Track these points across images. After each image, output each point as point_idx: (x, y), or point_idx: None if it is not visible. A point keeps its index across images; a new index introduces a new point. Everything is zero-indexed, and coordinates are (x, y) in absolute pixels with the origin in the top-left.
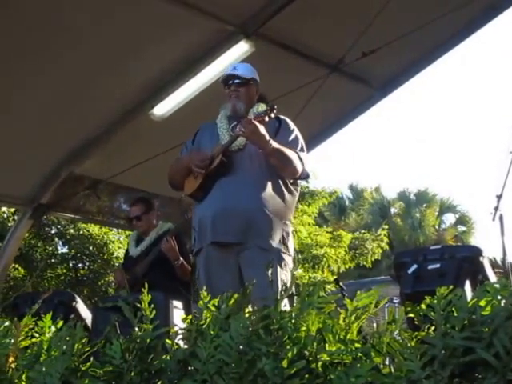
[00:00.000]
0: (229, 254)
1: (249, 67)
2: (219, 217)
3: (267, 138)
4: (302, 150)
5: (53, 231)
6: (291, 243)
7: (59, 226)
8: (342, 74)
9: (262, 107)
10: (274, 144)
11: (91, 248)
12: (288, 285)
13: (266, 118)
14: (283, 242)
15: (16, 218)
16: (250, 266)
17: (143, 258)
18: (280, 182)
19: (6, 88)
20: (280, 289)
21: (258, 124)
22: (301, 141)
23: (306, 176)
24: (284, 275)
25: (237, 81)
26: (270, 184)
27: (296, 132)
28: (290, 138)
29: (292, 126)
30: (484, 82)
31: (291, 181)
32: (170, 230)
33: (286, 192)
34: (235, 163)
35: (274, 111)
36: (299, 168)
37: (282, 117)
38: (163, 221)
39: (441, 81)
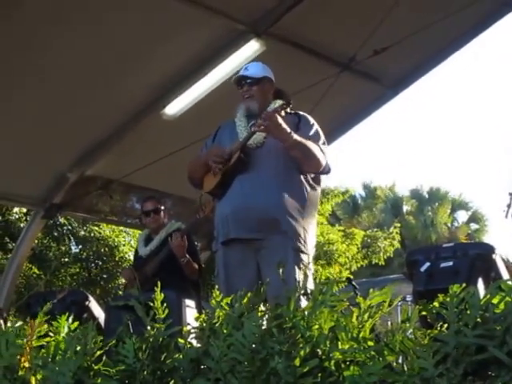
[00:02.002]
0: (248, 253)
1: (260, 66)
2: (238, 214)
3: (288, 130)
4: (323, 144)
5: (63, 232)
6: (311, 241)
7: (70, 228)
8: (354, 73)
9: (278, 103)
10: (296, 136)
11: (102, 250)
12: (304, 283)
13: (283, 113)
14: (303, 239)
15: (28, 218)
16: (267, 264)
17: (153, 258)
18: (301, 178)
19: (19, 89)
20: (296, 287)
21: (278, 116)
22: (322, 136)
23: (328, 170)
24: (302, 274)
25: (248, 81)
26: (290, 180)
27: (316, 126)
28: (311, 133)
29: (312, 120)
30: (497, 79)
31: (312, 176)
32: (180, 228)
33: (307, 188)
34: (254, 160)
35: (290, 106)
36: (322, 161)
37: (301, 113)
38: (174, 220)
39: (454, 77)
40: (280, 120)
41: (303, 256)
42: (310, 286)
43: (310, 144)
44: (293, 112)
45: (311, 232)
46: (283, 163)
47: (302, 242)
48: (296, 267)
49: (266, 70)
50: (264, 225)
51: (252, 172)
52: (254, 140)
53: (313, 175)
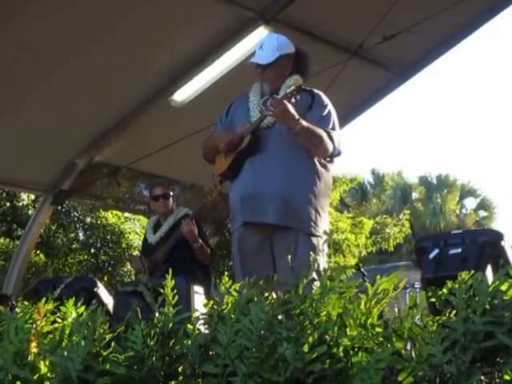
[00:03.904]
0: (262, 238)
1: (274, 45)
2: (249, 197)
3: (296, 117)
4: (333, 127)
5: (70, 220)
6: (324, 224)
7: (77, 214)
8: (362, 59)
9: (295, 81)
10: (304, 123)
11: (109, 237)
12: (318, 268)
13: (293, 100)
14: (315, 222)
15: (36, 205)
16: (279, 250)
17: (162, 244)
18: (313, 160)
19: (28, 75)
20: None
21: (287, 103)
22: (333, 117)
23: (337, 154)
24: (313, 259)
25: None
26: (300, 161)
27: (329, 108)
28: (323, 114)
29: (326, 100)
30: (506, 64)
31: (325, 159)
32: (189, 214)
33: (319, 169)
34: (265, 141)
35: (300, 91)
36: (329, 147)
37: (315, 91)
38: (181, 206)
39: (462, 63)
40: (289, 106)
41: (315, 240)
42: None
43: (317, 130)
44: (308, 89)
45: (324, 214)
46: (294, 144)
47: (314, 225)
48: (307, 252)
49: (281, 48)
50: (274, 208)
51: (263, 153)
52: (265, 121)
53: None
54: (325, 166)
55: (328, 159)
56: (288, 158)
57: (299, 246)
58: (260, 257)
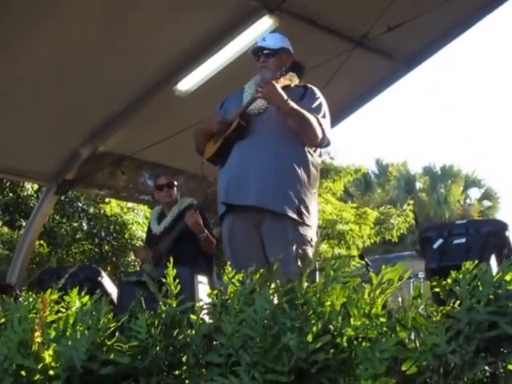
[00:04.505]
0: (250, 224)
1: (278, 37)
2: (234, 179)
3: (285, 97)
4: (323, 117)
5: (73, 210)
6: (312, 213)
7: (80, 204)
8: (367, 49)
9: (291, 77)
10: (292, 104)
11: (112, 227)
12: (305, 258)
13: (282, 79)
14: (299, 209)
15: (39, 196)
16: (268, 237)
17: (166, 235)
18: (302, 148)
19: (33, 64)
20: (296, 262)
21: (275, 83)
22: (324, 109)
23: (327, 143)
24: (300, 248)
25: (265, 51)
26: (290, 149)
27: (321, 100)
28: (314, 105)
29: (318, 94)
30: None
31: (313, 149)
32: (193, 204)
33: (308, 159)
34: (254, 127)
35: (288, 72)
36: (318, 132)
37: (309, 85)
38: (185, 197)
39: (466, 53)
40: (277, 86)
41: (301, 228)
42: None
43: (307, 114)
44: (301, 84)
45: (310, 205)
46: (283, 130)
47: (297, 212)
48: (295, 240)
49: (284, 41)
50: (258, 191)
51: (251, 138)
52: (256, 106)
53: (313, 148)
54: (312, 157)
55: (317, 149)
56: (276, 144)
57: (287, 235)
58: (249, 244)
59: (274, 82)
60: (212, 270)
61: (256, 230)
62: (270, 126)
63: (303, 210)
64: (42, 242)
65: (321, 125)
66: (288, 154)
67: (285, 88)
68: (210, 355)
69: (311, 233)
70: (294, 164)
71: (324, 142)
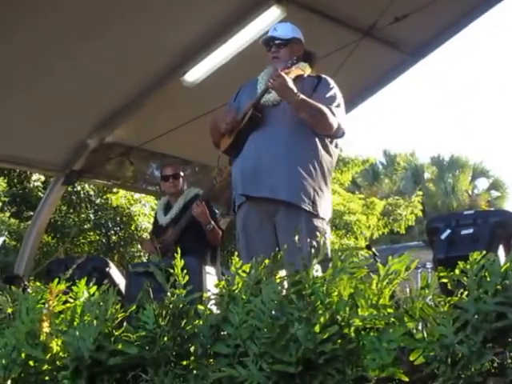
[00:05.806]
0: (264, 216)
1: (289, 26)
2: (249, 171)
3: (295, 90)
4: (337, 106)
5: (80, 200)
6: (325, 205)
7: (87, 195)
8: (374, 40)
9: (303, 66)
10: (303, 97)
11: (118, 219)
12: (318, 249)
13: (293, 68)
14: (313, 201)
15: (46, 187)
16: (281, 228)
17: (173, 226)
18: (316, 140)
19: (40, 56)
20: (308, 254)
21: (285, 76)
22: (339, 99)
23: (342, 134)
24: (313, 239)
25: (277, 42)
26: (304, 140)
27: (335, 90)
28: (328, 95)
29: (332, 83)
30: None
31: (329, 140)
32: (199, 195)
33: (322, 151)
34: (269, 118)
35: (297, 63)
36: (333, 123)
37: (322, 75)
38: (192, 187)
39: (474, 42)
40: (287, 79)
41: (315, 220)
42: (324, 250)
43: (319, 106)
44: (314, 75)
45: (324, 196)
46: (297, 123)
47: (312, 204)
48: (308, 231)
49: (295, 31)
50: (272, 182)
51: (265, 130)
52: (270, 98)
53: (329, 139)
54: (327, 148)
55: (332, 139)
56: (290, 136)
57: (300, 227)
58: (263, 235)
59: (284, 75)
60: (216, 261)
61: (270, 221)
62: (285, 117)
63: (317, 201)
64: (50, 232)
65: (334, 115)
66: (303, 145)
67: (297, 78)
68: (217, 346)
69: (324, 225)
70: (308, 156)
71: (339, 133)
